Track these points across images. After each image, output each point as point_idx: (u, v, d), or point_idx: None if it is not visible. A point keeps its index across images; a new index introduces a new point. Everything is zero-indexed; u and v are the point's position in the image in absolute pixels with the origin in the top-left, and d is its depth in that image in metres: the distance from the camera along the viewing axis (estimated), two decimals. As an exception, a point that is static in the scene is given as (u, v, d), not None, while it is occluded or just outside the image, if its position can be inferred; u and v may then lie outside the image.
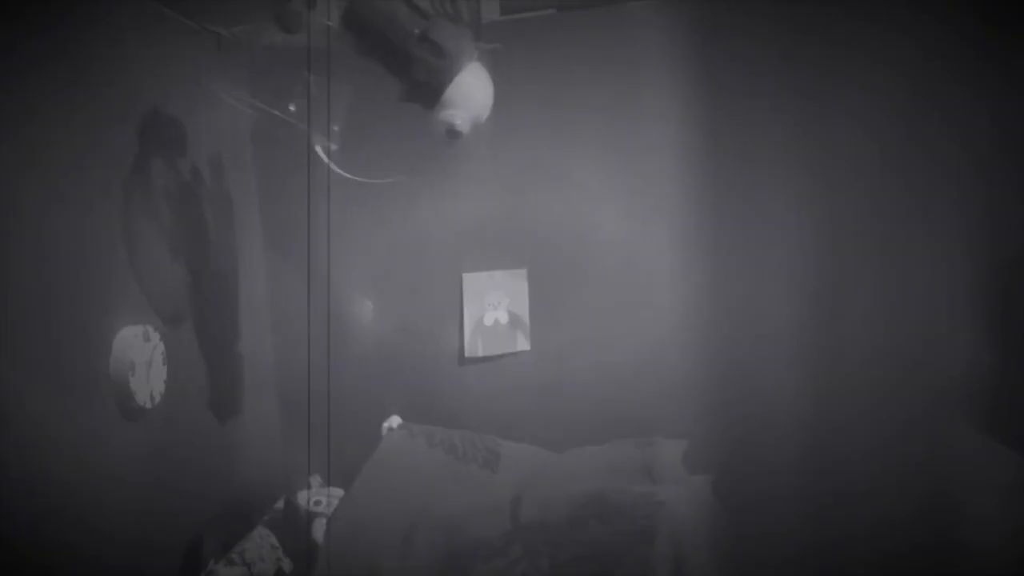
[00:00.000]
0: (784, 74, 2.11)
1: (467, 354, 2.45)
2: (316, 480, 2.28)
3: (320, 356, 2.43)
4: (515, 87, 2.22)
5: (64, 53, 1.56)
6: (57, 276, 1.52)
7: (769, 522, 1.84)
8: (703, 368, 2.23)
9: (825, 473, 1.93)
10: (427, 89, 1.63)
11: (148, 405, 1.72)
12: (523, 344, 2.45)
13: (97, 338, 1.64)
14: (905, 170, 2.02)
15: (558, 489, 1.95)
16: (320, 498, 2.13)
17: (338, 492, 2.16)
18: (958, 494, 1.76)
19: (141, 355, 1.69)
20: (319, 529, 2.04)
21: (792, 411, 2.07)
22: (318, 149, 1.84)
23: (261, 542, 2.01)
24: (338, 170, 1.89)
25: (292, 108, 1.80)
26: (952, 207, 1.97)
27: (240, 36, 2.14)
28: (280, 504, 2.23)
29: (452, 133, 1.68)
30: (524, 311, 2.45)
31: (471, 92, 1.69)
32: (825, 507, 1.88)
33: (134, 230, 1.76)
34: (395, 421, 2.29)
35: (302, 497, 2.15)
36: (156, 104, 1.89)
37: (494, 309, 2.45)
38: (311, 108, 1.79)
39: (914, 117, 1.98)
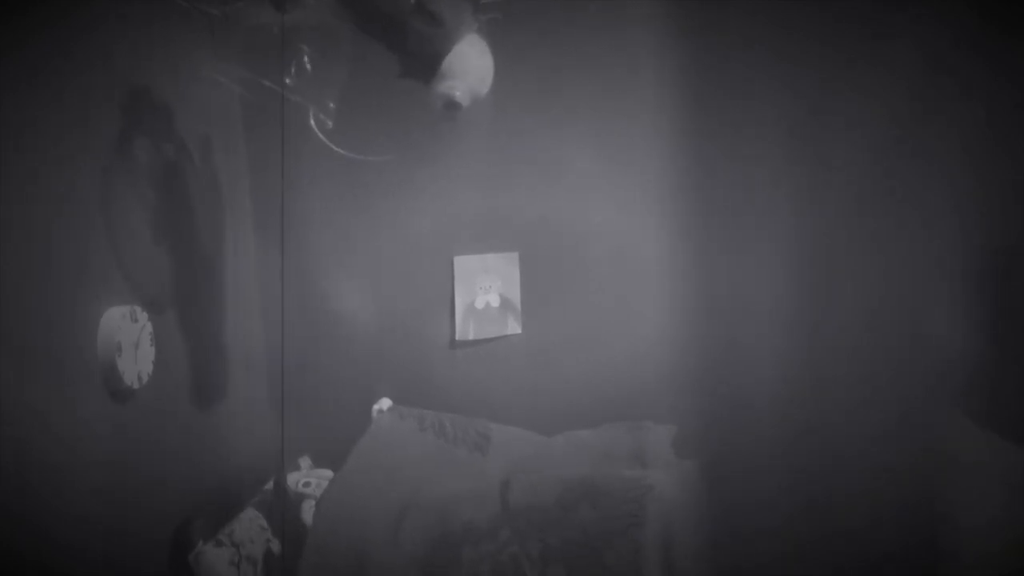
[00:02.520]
0: (777, 69, 2.10)
1: (458, 337, 2.45)
2: (306, 462, 2.28)
3: (309, 338, 2.44)
4: (509, 70, 2.20)
5: (53, 32, 1.53)
6: (42, 255, 1.50)
7: (756, 506, 1.85)
8: (694, 352, 2.23)
9: (812, 459, 1.94)
10: (424, 60, 1.59)
11: (136, 386, 1.71)
12: (514, 328, 2.45)
13: (83, 318, 1.62)
14: (897, 164, 2.02)
15: (548, 473, 1.95)
16: (309, 480, 2.12)
17: (327, 474, 2.16)
18: (951, 480, 1.76)
19: (128, 335, 1.68)
20: (308, 511, 2.03)
21: (782, 396, 2.08)
22: (313, 125, 1.82)
23: (250, 524, 2.00)
24: (334, 147, 1.87)
25: (288, 81, 1.76)
26: (944, 198, 1.97)
27: (233, 15, 2.11)
28: (269, 486, 2.22)
29: (451, 105, 1.64)
30: (516, 295, 2.44)
31: (470, 63, 1.64)
32: (812, 493, 1.89)
33: (118, 209, 1.74)
34: (385, 404, 2.29)
35: (292, 479, 2.15)
36: (146, 83, 1.86)
37: (485, 292, 2.45)
38: (306, 84, 1.76)
39: (907, 113, 1.97)
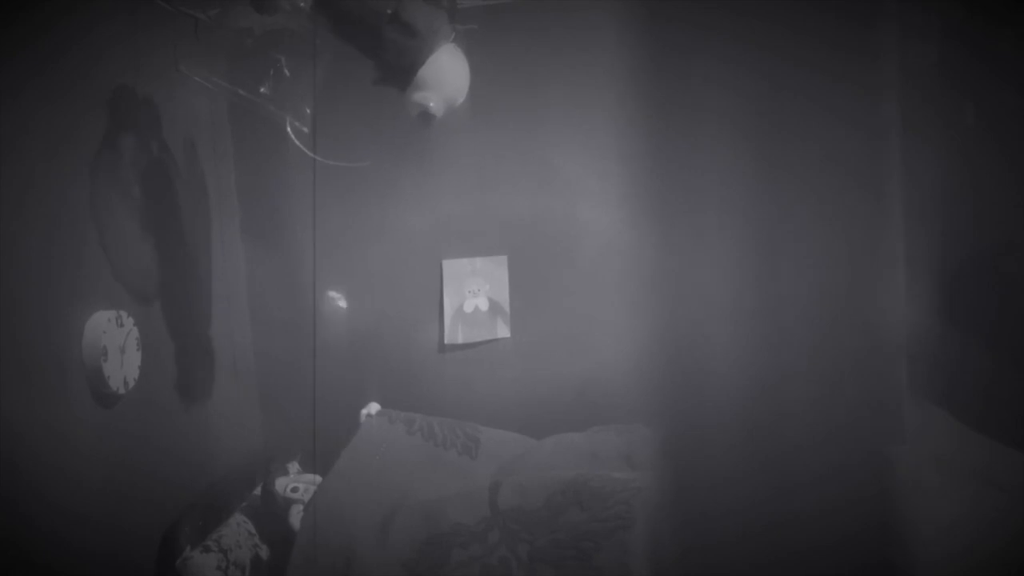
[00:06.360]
0: (766, 65, 2.10)
1: (447, 341, 2.45)
2: (294, 467, 2.27)
3: (299, 343, 2.43)
4: (494, 72, 2.21)
5: (39, 36, 1.53)
6: (28, 259, 1.50)
7: (748, 508, 1.84)
8: (684, 354, 2.22)
9: (808, 460, 1.93)
10: (399, 70, 1.60)
11: (122, 391, 1.70)
12: (503, 331, 2.45)
13: (69, 322, 1.61)
14: (882, 154, 2.01)
15: (537, 475, 1.94)
16: (298, 485, 2.12)
17: (315, 479, 2.15)
18: (941, 484, 1.76)
19: (114, 340, 1.67)
20: (296, 516, 2.03)
21: (778, 397, 2.07)
22: (289, 132, 1.82)
23: (238, 529, 2.00)
24: (310, 153, 1.87)
25: (263, 90, 1.77)
26: (930, 192, 1.97)
27: (217, 19, 2.12)
28: (257, 491, 2.21)
29: (425, 116, 1.65)
30: (504, 298, 2.44)
31: (445, 74, 1.65)
32: (804, 496, 1.88)
33: (104, 213, 1.74)
34: (374, 408, 2.29)
35: (280, 484, 2.14)
36: (132, 88, 1.86)
37: (474, 296, 2.45)
38: (283, 90, 1.77)
39: (893, 102, 1.97)
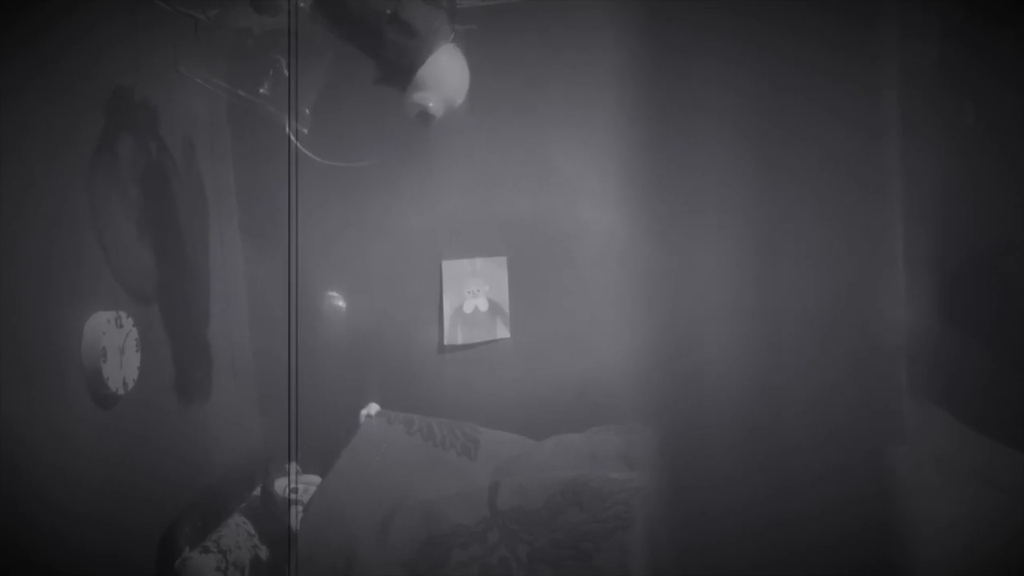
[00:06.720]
0: (766, 65, 2.10)
1: (446, 342, 2.45)
2: (294, 468, 2.27)
3: (295, 343, 2.43)
4: (494, 72, 2.21)
5: (39, 36, 1.53)
6: (28, 260, 1.50)
7: (746, 508, 1.84)
8: (683, 355, 2.22)
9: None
10: (399, 70, 1.60)
11: (121, 392, 1.70)
12: (503, 332, 2.44)
13: (69, 323, 1.61)
14: (881, 154, 2.01)
15: (536, 476, 1.94)
16: (297, 485, 2.11)
17: (315, 479, 2.15)
18: (939, 484, 1.75)
19: (113, 341, 1.67)
20: (296, 516, 2.02)
21: (775, 396, 2.07)
22: (288, 132, 1.82)
23: (237, 530, 2.00)
24: (309, 153, 1.87)
25: (263, 91, 1.77)
26: (930, 191, 1.97)
27: (216, 19, 2.12)
28: (257, 492, 2.21)
29: (424, 116, 1.65)
30: (504, 299, 2.44)
31: (444, 74, 1.65)
32: (801, 495, 1.88)
33: (103, 214, 1.74)
34: (373, 409, 2.29)
35: (279, 485, 2.14)
36: (131, 88, 1.86)
37: (474, 297, 2.44)
38: (283, 91, 1.77)
39: (893, 102, 1.97)
